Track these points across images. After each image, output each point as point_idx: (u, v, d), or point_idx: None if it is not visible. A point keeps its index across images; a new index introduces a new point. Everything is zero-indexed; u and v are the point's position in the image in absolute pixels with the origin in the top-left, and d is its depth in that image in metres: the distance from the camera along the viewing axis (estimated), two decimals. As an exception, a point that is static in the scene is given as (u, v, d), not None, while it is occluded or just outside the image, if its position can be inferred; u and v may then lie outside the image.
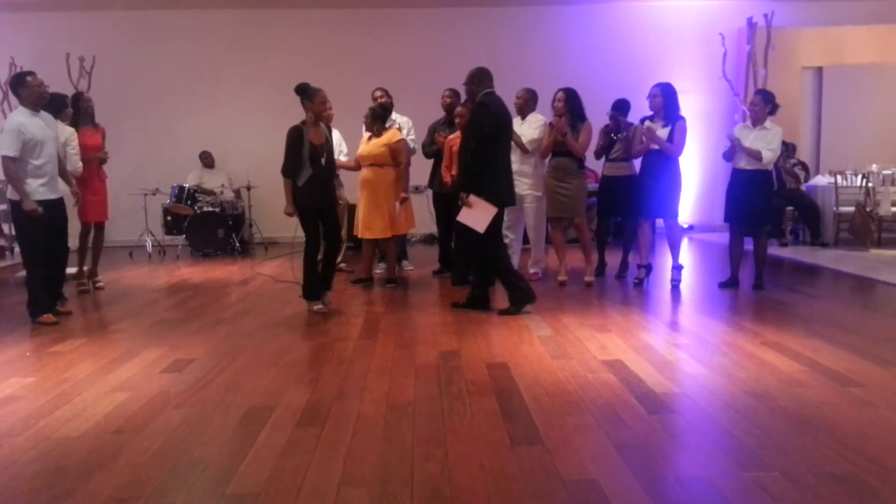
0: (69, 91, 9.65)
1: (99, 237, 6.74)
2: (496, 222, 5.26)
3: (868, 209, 8.54)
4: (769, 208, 6.28)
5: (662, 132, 6.09)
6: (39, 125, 5.18)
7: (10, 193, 5.24)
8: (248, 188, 9.75)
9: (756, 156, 5.89)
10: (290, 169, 5.32)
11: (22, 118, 5.12)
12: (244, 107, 10.64)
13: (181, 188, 9.04)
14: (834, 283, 6.81)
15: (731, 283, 6.22)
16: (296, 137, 5.29)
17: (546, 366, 3.99)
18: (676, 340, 4.53)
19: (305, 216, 5.42)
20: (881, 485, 2.47)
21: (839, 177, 8.74)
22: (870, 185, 8.60)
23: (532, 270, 6.82)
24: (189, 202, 9.00)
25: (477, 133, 5.14)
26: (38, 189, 5.18)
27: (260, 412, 3.30)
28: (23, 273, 7.49)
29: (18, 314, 5.66)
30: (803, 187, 9.19)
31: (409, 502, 2.39)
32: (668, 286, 6.31)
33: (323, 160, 5.35)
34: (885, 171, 8.71)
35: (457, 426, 3.09)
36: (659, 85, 6.22)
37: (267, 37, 10.65)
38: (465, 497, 2.43)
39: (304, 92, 5.37)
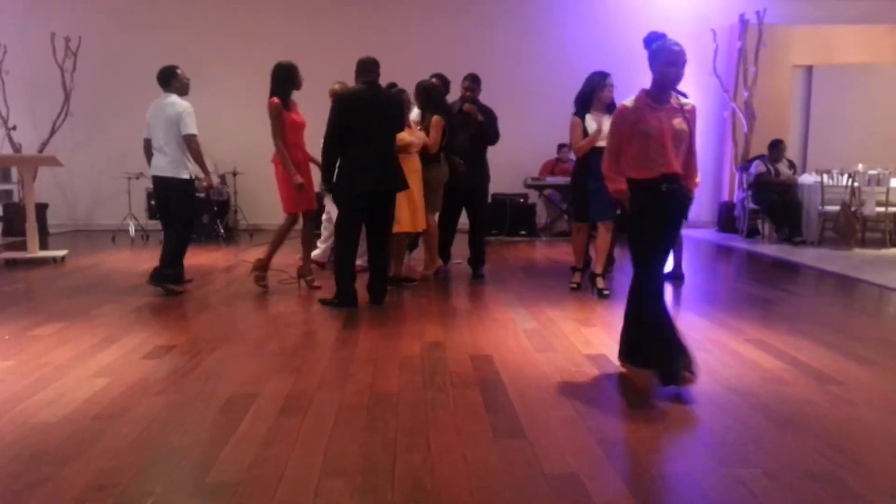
0: (53, 72, 9.63)
1: (307, 228, 6.11)
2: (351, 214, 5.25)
3: (853, 209, 8.60)
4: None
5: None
6: None
7: (172, 171, 5.72)
8: (234, 174, 9.70)
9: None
10: None
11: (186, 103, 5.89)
12: (230, 93, 10.51)
13: (166, 173, 8.92)
14: (818, 281, 6.86)
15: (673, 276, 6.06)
16: None
17: (531, 359, 3.99)
18: (661, 336, 4.53)
19: None
20: (860, 483, 2.48)
21: (825, 176, 8.79)
22: (855, 184, 8.66)
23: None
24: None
25: (328, 125, 5.24)
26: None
27: (242, 400, 3.27)
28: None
29: (-2, 297, 5.59)
30: (798, 181, 9.22)
31: (391, 493, 2.38)
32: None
33: None
34: (870, 171, 8.78)
35: (440, 418, 3.08)
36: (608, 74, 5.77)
37: (254, 22, 10.54)
38: (447, 489, 2.42)
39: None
